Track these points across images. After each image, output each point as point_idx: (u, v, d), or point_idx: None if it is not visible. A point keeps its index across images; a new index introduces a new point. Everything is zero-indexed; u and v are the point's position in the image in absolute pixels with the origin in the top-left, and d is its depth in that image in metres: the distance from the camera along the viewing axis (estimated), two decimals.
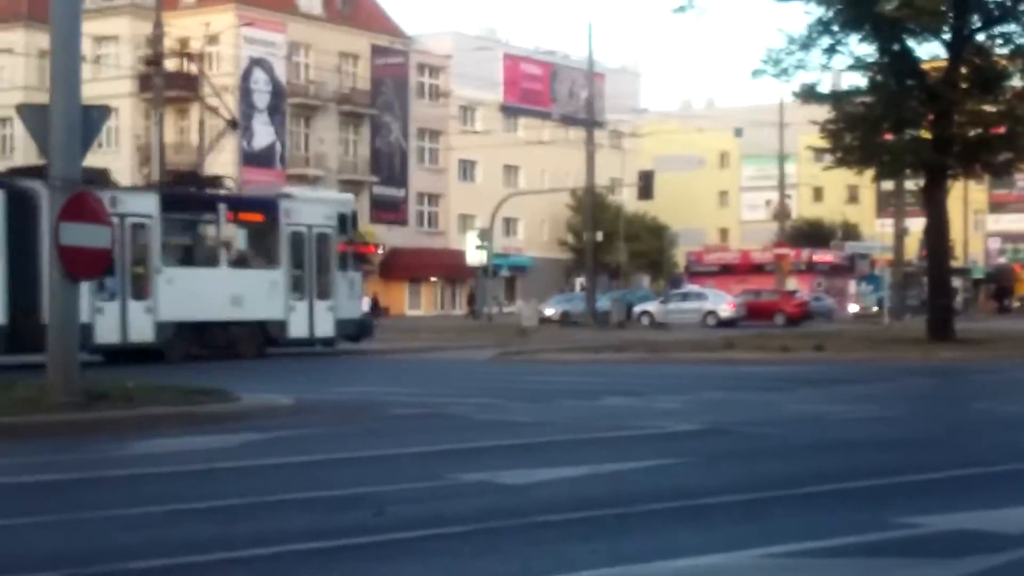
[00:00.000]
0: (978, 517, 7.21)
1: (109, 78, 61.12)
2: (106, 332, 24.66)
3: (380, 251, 68.09)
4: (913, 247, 62.24)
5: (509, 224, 75.43)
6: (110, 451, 11.14)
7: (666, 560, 6.20)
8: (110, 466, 10.30)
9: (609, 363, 27.05)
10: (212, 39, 58.73)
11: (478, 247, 50.06)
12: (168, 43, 48.38)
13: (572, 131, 72.96)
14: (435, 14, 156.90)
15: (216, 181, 29.40)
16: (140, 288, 25.66)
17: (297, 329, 28.46)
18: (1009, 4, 31.29)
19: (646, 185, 49.22)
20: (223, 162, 61.86)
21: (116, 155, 62.35)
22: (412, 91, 71.96)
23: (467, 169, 76.18)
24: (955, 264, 54.73)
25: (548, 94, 79.79)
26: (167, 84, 47.02)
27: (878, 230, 78.77)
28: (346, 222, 30.16)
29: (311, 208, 29.51)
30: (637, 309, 54.40)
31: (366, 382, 20.49)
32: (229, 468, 9.88)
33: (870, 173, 35.40)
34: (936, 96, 30.96)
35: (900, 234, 59.26)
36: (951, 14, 30.09)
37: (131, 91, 61.90)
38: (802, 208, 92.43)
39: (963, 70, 31.72)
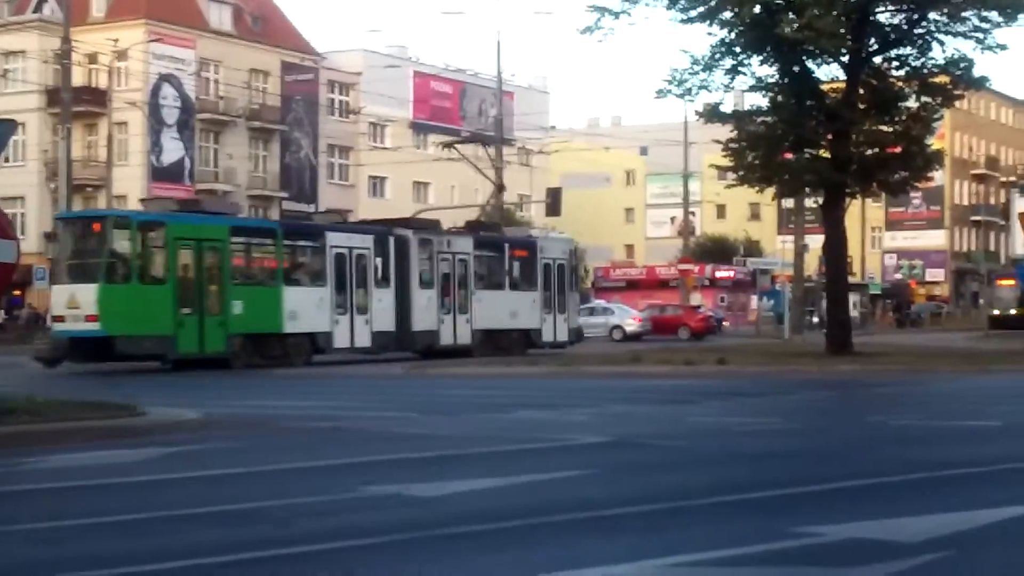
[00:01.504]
0: (875, 526, 7.39)
1: (16, 92, 60.29)
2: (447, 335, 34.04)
3: None
4: (813, 263, 63.32)
5: None
6: (11, 466, 10.99)
7: (574, 570, 6.31)
8: (11, 481, 10.16)
9: (520, 376, 27.22)
10: (121, 55, 58.12)
11: None
12: (76, 58, 47.83)
13: (481, 148, 73.18)
14: (345, 32, 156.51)
15: (495, 227, 38.85)
16: (463, 305, 34.58)
17: (547, 336, 36.84)
18: (905, 28, 32.10)
19: (554, 202, 49.60)
20: (131, 176, 61.27)
21: (23, 170, 61.44)
22: (322, 107, 71.73)
23: (377, 185, 76.05)
24: (853, 280, 55.79)
25: (458, 111, 79.98)
26: (75, 99, 46.43)
27: (779, 246, 79.97)
28: (574, 256, 39.22)
29: (554, 245, 38.61)
30: None
31: (278, 396, 20.46)
32: (133, 482, 9.82)
33: (771, 191, 36.05)
34: (835, 116, 31.63)
35: (800, 250, 60.32)
36: (849, 37, 30.76)
37: (39, 106, 61.04)
38: (706, 225, 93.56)
39: (861, 91, 32.46)
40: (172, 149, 64.72)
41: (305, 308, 30.91)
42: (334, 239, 32.10)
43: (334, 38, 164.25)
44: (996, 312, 67.46)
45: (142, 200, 33.45)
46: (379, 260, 32.77)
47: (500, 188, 40.20)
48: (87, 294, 27.43)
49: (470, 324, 34.51)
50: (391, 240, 32.82)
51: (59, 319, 28.11)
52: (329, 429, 14.33)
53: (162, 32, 63.09)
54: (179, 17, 65.23)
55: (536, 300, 36.55)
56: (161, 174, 63.95)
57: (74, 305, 27.48)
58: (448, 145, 38.33)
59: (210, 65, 66.95)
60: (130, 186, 61.50)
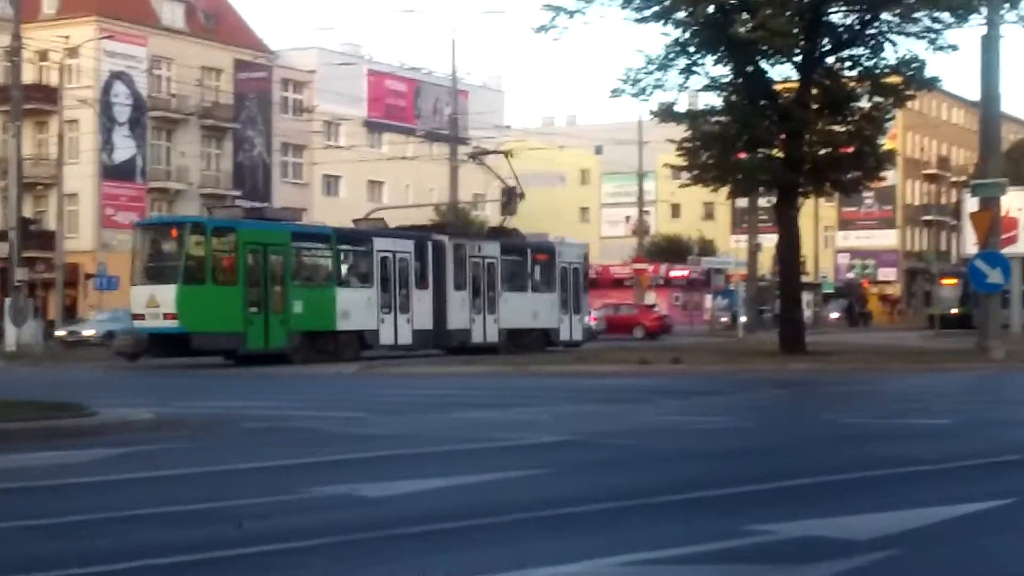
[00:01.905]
0: (827, 524, 7.41)
1: None
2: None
3: None
4: (767, 262, 63.66)
5: None
6: None
7: (524, 570, 6.29)
8: None
9: (472, 376, 27.19)
10: (72, 52, 57.58)
11: None
12: (27, 55, 47.34)
13: (436, 147, 73.10)
14: (299, 29, 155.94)
15: (515, 232, 40.11)
16: (492, 305, 36.93)
17: (564, 335, 39.35)
18: (857, 28, 32.31)
19: (509, 201, 49.53)
20: (82, 174, 60.75)
21: None
22: (276, 106, 71.40)
23: (331, 184, 75.80)
24: (806, 279, 56.17)
25: (412, 110, 79.83)
26: (25, 96, 45.98)
27: (733, 246, 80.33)
28: (586, 260, 42.47)
29: (570, 250, 41.30)
30: None
31: (228, 396, 20.31)
32: (81, 483, 9.73)
33: (725, 191, 36.17)
34: (788, 116, 31.80)
35: (754, 250, 60.63)
36: (802, 37, 30.93)
37: None
38: (660, 224, 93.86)
39: (814, 91, 32.65)
40: (124, 147, 64.23)
41: (355, 308, 33.20)
42: (380, 244, 34.57)
43: (287, 36, 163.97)
44: (938, 311, 68.03)
45: (210, 208, 34.72)
46: (418, 263, 35.19)
47: (519, 195, 41.78)
48: (166, 294, 29.79)
49: (497, 323, 37.08)
50: (429, 245, 35.49)
51: (138, 317, 30.55)
52: (279, 429, 14.24)
53: (114, 29, 62.57)
54: (131, 14, 64.74)
55: (555, 301, 39.41)
56: (113, 172, 63.47)
57: (154, 304, 29.88)
58: (475, 156, 39.25)
59: (162, 63, 66.49)
60: (81, 184, 61.02)
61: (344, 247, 34.35)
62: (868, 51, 32.42)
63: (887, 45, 32.23)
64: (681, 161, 33.95)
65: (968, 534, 7.36)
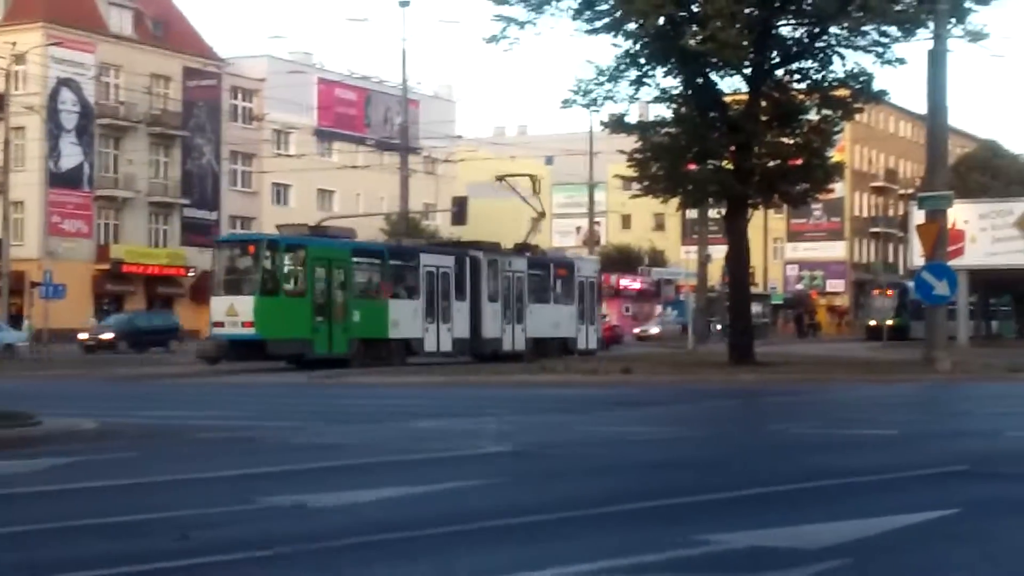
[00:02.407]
0: (776, 534, 7.45)
1: None
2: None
3: (191, 274, 66.93)
4: (716, 273, 63.99)
5: None
6: None
7: None
8: None
9: (423, 385, 27.15)
10: (19, 58, 57.03)
11: None
12: None
13: (387, 156, 72.96)
14: (249, 37, 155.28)
15: (536, 248, 43.76)
16: (520, 316, 39.61)
17: (581, 344, 41.63)
18: (806, 41, 32.54)
19: (460, 211, 49.46)
20: (28, 182, 60.16)
21: None
22: (225, 114, 71.02)
23: (280, 192, 75.48)
24: (755, 290, 56.47)
25: (363, 119, 79.65)
26: None
27: (683, 257, 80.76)
28: (600, 275, 46.27)
29: (587, 265, 44.82)
30: None
31: (178, 406, 20.16)
32: (25, 493, 9.63)
33: (675, 202, 36.32)
34: (737, 128, 31.97)
35: (704, 261, 60.94)
36: (752, 50, 31.09)
37: None
38: (611, 235, 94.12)
39: (763, 104, 32.86)
40: (71, 154, 63.66)
41: (404, 317, 35.85)
42: (425, 259, 37.24)
43: (237, 44, 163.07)
44: (873, 322, 68.18)
45: (279, 226, 37.64)
46: (458, 278, 37.79)
47: (541, 215, 44.59)
48: (244, 304, 32.31)
49: (524, 333, 39.64)
50: (467, 260, 38.09)
51: (219, 324, 32.97)
52: (228, 439, 14.13)
53: (61, 36, 62.02)
54: (79, 21, 64.21)
55: (573, 313, 42.20)
56: (59, 180, 62.90)
57: (233, 313, 32.36)
58: (501, 179, 40.36)
59: (110, 70, 65.98)
60: (27, 192, 60.43)
61: (395, 262, 36.89)
62: (817, 64, 32.67)
63: (836, 58, 32.52)
64: (631, 172, 34.06)
65: (915, 544, 7.41)
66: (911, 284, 71.25)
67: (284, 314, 32.79)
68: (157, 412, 18.37)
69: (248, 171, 73.41)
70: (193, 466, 11.60)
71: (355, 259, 35.26)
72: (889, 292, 69.01)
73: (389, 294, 35.70)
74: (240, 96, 73.11)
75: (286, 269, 33.57)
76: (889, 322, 64.64)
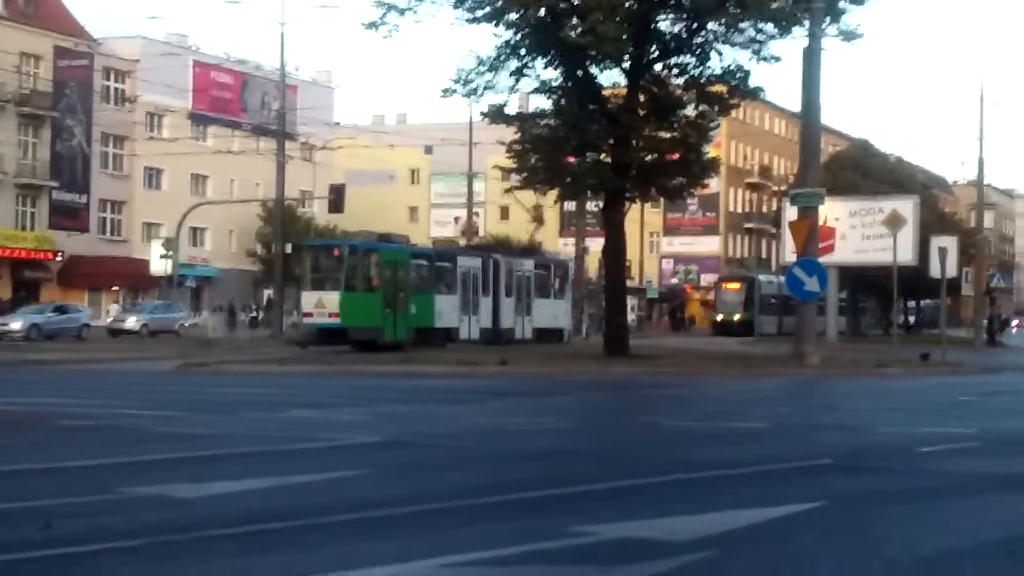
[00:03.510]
0: (646, 525, 7.51)
1: None
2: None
3: (59, 258, 65.45)
4: (593, 266, 64.39)
5: (196, 234, 73.79)
6: None
7: (342, 571, 6.21)
8: None
9: (297, 375, 26.88)
10: None
11: (163, 256, 48.72)
12: None
13: (263, 142, 72.03)
14: (122, 17, 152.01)
15: (538, 250, 52.42)
16: (528, 309, 46.19)
17: (572, 334, 49.88)
18: (684, 37, 32.87)
19: (337, 198, 49.01)
20: None
21: None
22: (97, 95, 69.44)
23: (153, 176, 74.05)
24: (631, 284, 56.99)
25: (239, 103, 78.50)
26: None
27: (561, 248, 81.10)
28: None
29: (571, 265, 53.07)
30: None
31: (39, 393, 19.68)
32: None
33: (554, 194, 36.45)
34: (616, 121, 32.18)
35: (581, 253, 61.25)
36: (630, 43, 31.30)
37: None
38: (490, 226, 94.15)
39: (642, 98, 33.11)
40: None
41: (445, 310, 42.00)
42: (461, 261, 44.00)
43: (110, 23, 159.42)
44: (720, 317, 68.61)
45: (349, 233, 44.93)
46: (483, 277, 44.09)
47: (539, 222, 51.96)
48: (331, 298, 38.04)
49: (531, 323, 46.01)
50: (491, 262, 44.53)
51: (308, 315, 38.36)
52: (92, 428, 13.81)
53: None
54: None
55: (567, 306, 49.32)
56: None
57: (320, 306, 37.97)
58: (509, 191, 41.66)
59: None
60: None
61: (440, 263, 43.49)
62: (695, 59, 33.00)
63: (713, 54, 32.92)
64: (511, 163, 34.09)
65: (783, 535, 7.50)
66: (760, 278, 72.51)
67: (362, 307, 38.39)
68: (24, 399, 17.89)
69: (120, 154, 71.92)
70: (53, 455, 11.30)
71: (412, 261, 41.73)
72: (737, 285, 69.25)
73: (435, 290, 42.16)
74: (113, 77, 71.57)
75: (363, 269, 39.28)
76: (736, 317, 65.31)
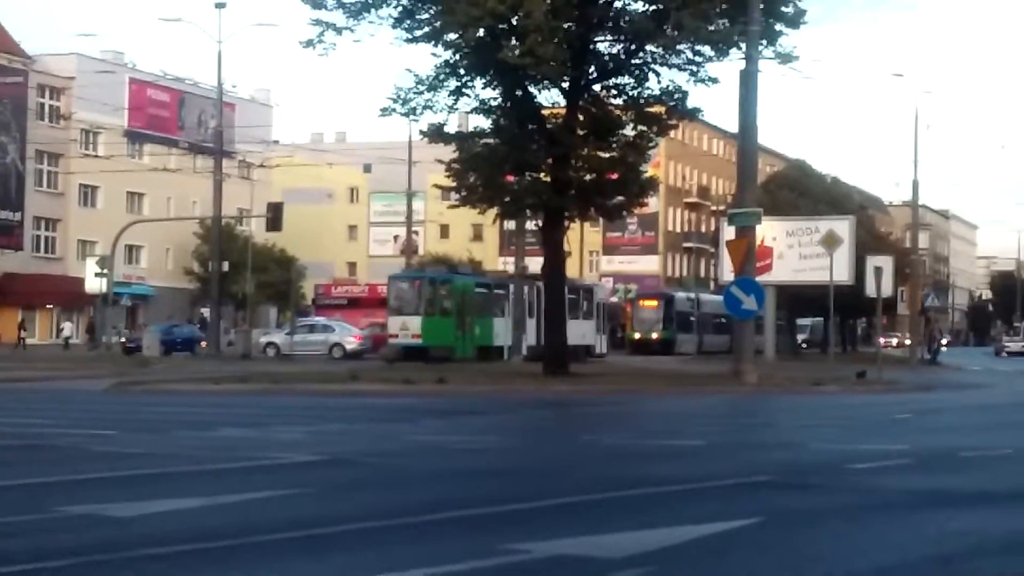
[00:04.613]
0: (581, 543, 7.52)
1: None
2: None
3: None
4: None
5: (132, 251, 73.15)
6: None
7: None
8: None
9: (232, 394, 26.64)
10: None
11: (98, 274, 48.24)
12: None
13: (200, 159, 71.58)
14: (57, 34, 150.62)
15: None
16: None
17: (598, 349, 55.07)
18: (623, 58, 33.02)
19: (275, 216, 48.84)
20: None
21: None
22: (31, 112, 68.70)
23: (88, 194, 73.33)
24: None
25: (176, 121, 77.99)
26: None
27: (501, 267, 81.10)
28: (607, 297, 62.83)
29: (600, 291, 60.43)
30: (263, 340, 54.04)
31: None
32: None
33: (493, 212, 36.45)
34: (555, 141, 32.25)
35: (521, 272, 61.22)
36: (569, 64, 31.41)
37: None
38: (429, 244, 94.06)
39: (581, 118, 33.20)
40: None
41: (501, 331, 48.29)
42: (512, 289, 49.48)
43: (45, 40, 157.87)
44: (637, 335, 68.27)
45: (423, 264, 52.66)
46: (527, 300, 49.36)
47: (568, 253, 56.55)
48: (414, 322, 45.43)
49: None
50: (535, 288, 47.90)
51: (394, 336, 45.87)
52: (25, 447, 13.63)
53: None
54: None
55: (592, 326, 55.53)
56: None
57: (405, 328, 45.34)
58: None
59: None
60: None
61: (497, 291, 49.93)
62: (633, 80, 33.16)
63: (651, 76, 33.07)
64: (450, 182, 34.07)
65: (719, 551, 7.54)
66: (678, 295, 72.61)
67: (439, 329, 45.55)
68: None
69: (55, 171, 71.20)
70: None
71: (476, 289, 48.87)
72: (654, 303, 69.07)
73: (492, 314, 48.73)
74: (47, 94, 70.89)
75: (439, 298, 46.73)
76: (654, 335, 65.22)
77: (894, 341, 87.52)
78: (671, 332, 66.88)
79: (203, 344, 52.65)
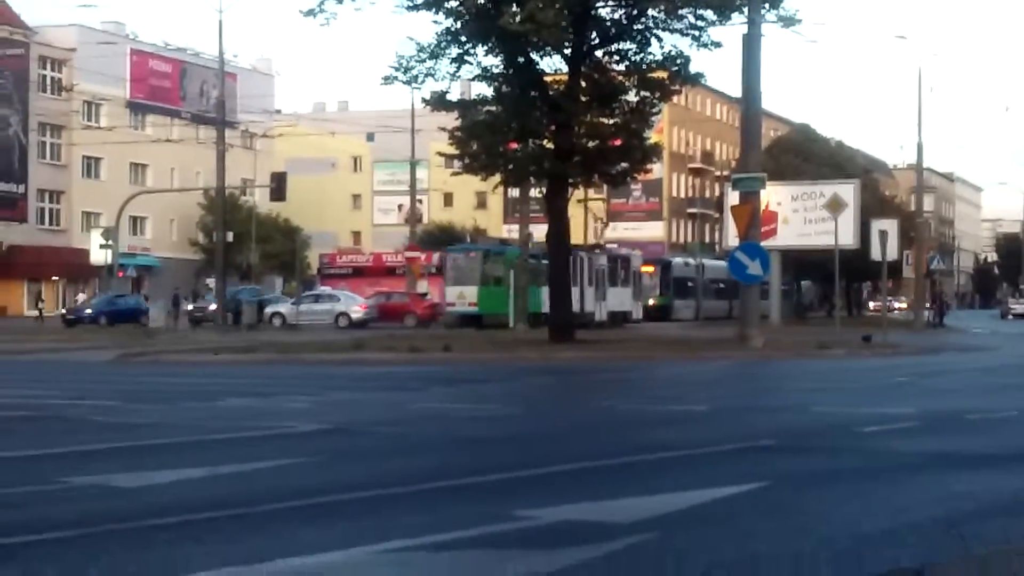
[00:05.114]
0: (589, 508, 7.55)
1: None
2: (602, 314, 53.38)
3: None
4: None
5: (136, 223, 73.20)
6: None
7: (284, 559, 6.17)
8: None
9: (238, 364, 26.66)
10: None
11: (103, 246, 48.28)
12: None
13: (202, 130, 71.48)
14: (58, 5, 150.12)
15: (607, 246, 61.25)
16: (604, 295, 54.53)
17: (634, 315, 58.52)
18: (625, 23, 32.87)
19: (278, 186, 48.76)
20: None
21: None
22: (33, 84, 68.63)
23: (92, 166, 73.34)
24: None
25: (178, 92, 77.87)
26: None
27: (505, 235, 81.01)
28: (643, 264, 64.09)
29: (637, 259, 62.21)
30: (268, 310, 54.08)
31: None
32: None
33: (496, 180, 36.39)
34: (558, 108, 32.15)
35: (525, 240, 61.20)
36: (571, 30, 31.28)
37: None
38: (433, 213, 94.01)
39: (583, 84, 33.09)
40: None
41: (545, 298, 46.77)
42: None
43: (46, 12, 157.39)
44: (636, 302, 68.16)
45: (473, 239, 56.42)
46: (573, 270, 48.47)
47: (606, 224, 62.77)
48: (471, 291, 49.59)
49: (606, 307, 54.26)
50: (578, 258, 48.96)
51: (451, 304, 50.27)
52: (29, 418, 13.65)
53: None
54: None
55: (630, 293, 58.41)
56: None
57: (462, 297, 49.44)
58: (582, 201, 49.18)
59: None
60: None
61: (544, 261, 48.30)
62: (635, 46, 33.01)
63: (654, 40, 32.92)
64: (453, 150, 34.00)
65: (724, 516, 7.55)
66: (675, 260, 72.50)
67: (494, 297, 48.78)
68: None
69: (57, 143, 71.18)
70: None
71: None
72: (651, 269, 69.04)
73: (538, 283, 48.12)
74: (49, 66, 70.77)
75: (494, 268, 50.19)
76: (651, 301, 65.19)
77: (901, 305, 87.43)
78: (668, 298, 66.91)
79: (147, 318, 50.37)
